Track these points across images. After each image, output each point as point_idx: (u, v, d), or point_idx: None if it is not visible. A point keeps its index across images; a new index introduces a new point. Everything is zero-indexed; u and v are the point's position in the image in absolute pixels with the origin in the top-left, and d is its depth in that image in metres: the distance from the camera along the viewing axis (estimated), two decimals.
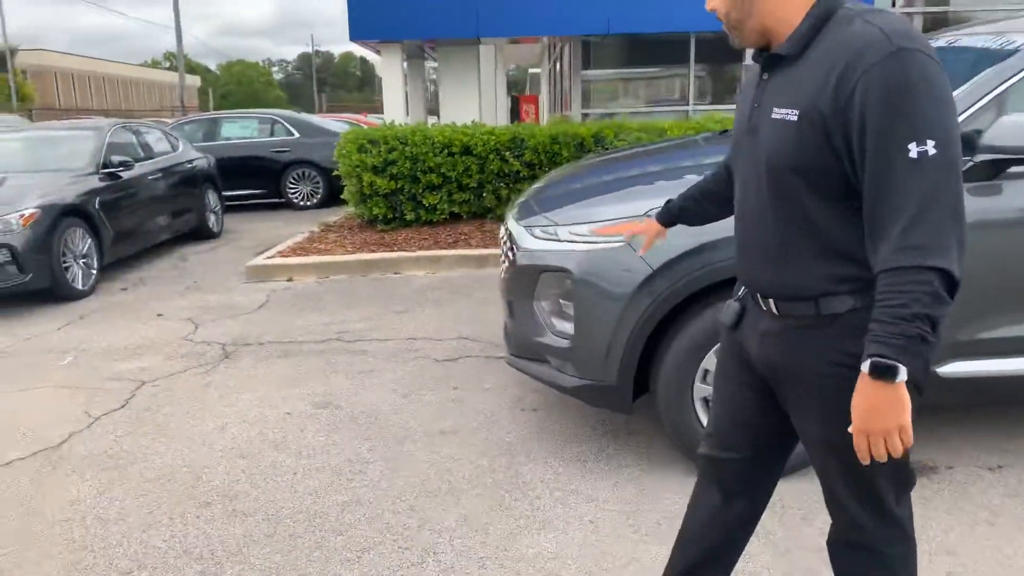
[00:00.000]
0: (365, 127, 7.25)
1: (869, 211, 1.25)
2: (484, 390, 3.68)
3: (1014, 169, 2.48)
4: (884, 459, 1.24)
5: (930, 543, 2.34)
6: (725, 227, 2.54)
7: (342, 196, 7.33)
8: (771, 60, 1.37)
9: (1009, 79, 2.57)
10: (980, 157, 2.45)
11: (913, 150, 1.17)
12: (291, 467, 2.97)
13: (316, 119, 12.21)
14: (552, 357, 2.86)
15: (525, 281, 2.94)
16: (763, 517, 2.04)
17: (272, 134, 11.08)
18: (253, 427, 3.35)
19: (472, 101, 9.33)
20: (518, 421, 3.31)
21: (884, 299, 1.19)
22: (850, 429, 1.26)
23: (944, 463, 2.82)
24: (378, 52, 8.98)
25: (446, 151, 6.79)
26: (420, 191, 6.91)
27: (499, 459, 2.98)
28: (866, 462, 1.26)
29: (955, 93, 2.60)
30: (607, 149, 6.81)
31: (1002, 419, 3.12)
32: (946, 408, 3.17)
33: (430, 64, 11.44)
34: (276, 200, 11.02)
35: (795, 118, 1.29)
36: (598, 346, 2.70)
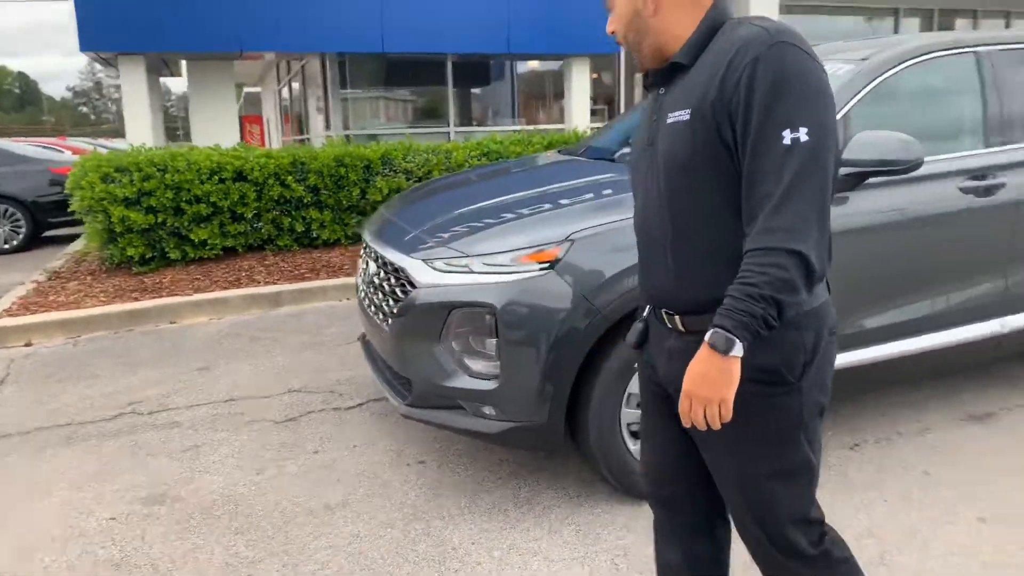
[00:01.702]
0: (104, 152, 6.08)
1: (745, 196, 1.28)
2: (352, 449, 3.23)
3: (870, 181, 2.78)
4: (702, 426, 1.29)
5: (851, 527, 2.51)
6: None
7: (50, 234, 6.06)
8: (667, 72, 1.42)
9: (850, 100, 2.89)
10: (846, 170, 2.71)
11: (787, 136, 1.22)
12: None
13: (6, 143, 10.08)
14: (468, 402, 2.58)
15: (428, 321, 2.61)
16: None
17: None
18: (70, 546, 2.54)
19: (231, 122, 8.37)
20: (410, 479, 2.95)
21: (742, 276, 1.24)
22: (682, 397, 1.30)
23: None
24: (111, 64, 7.60)
25: (216, 177, 5.97)
26: (185, 224, 5.99)
27: (413, 527, 2.61)
28: (687, 425, 1.32)
29: None
30: (397, 172, 6.54)
31: (849, 401, 3.52)
32: (836, 399, 3.48)
33: (168, 80, 10.07)
34: None
35: (687, 117, 1.33)
36: (529, 383, 2.49)
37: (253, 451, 3.23)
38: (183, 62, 8.90)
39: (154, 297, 5.48)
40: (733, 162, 1.30)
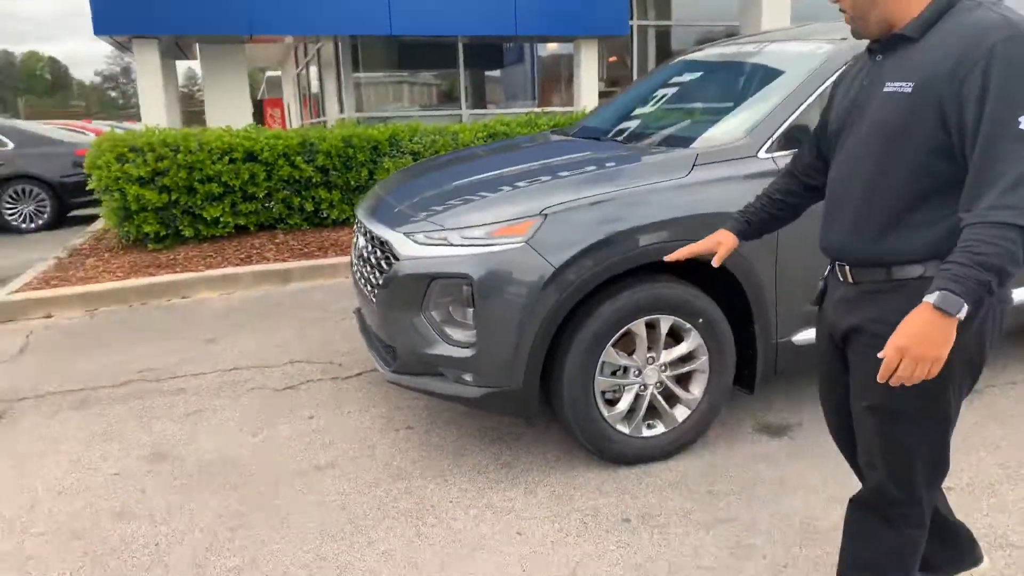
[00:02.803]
0: (120, 132, 6.26)
1: (973, 174, 1.35)
2: (345, 414, 3.38)
3: None
4: (909, 382, 1.35)
5: (817, 493, 2.61)
6: (613, 224, 2.62)
7: (75, 214, 6.28)
8: (891, 42, 1.50)
9: (827, 80, 2.94)
10: None
11: (1023, 122, 1.30)
12: (149, 538, 2.46)
13: (34, 126, 10.36)
14: (449, 369, 2.71)
15: (410, 291, 2.74)
16: (672, 499, 2.13)
17: None
18: (76, 498, 2.72)
19: (244, 104, 8.54)
20: (397, 443, 3.09)
21: (969, 246, 1.30)
22: (881, 353, 1.35)
23: (794, 421, 3.17)
24: (126, 48, 7.79)
25: (227, 158, 6.13)
26: (198, 203, 6.17)
27: (395, 485, 2.75)
28: (883, 380, 1.36)
29: (787, 95, 2.93)
30: (404, 153, 6.66)
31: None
32: (801, 372, 3.56)
33: (184, 64, 10.26)
34: None
35: (908, 90, 1.43)
36: (504, 351, 2.60)
37: (252, 416, 3.39)
38: (197, 46, 9.07)
39: (168, 273, 5.67)
40: (943, 134, 1.39)
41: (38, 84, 79.14)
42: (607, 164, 2.97)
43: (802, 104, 2.88)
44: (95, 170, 6.01)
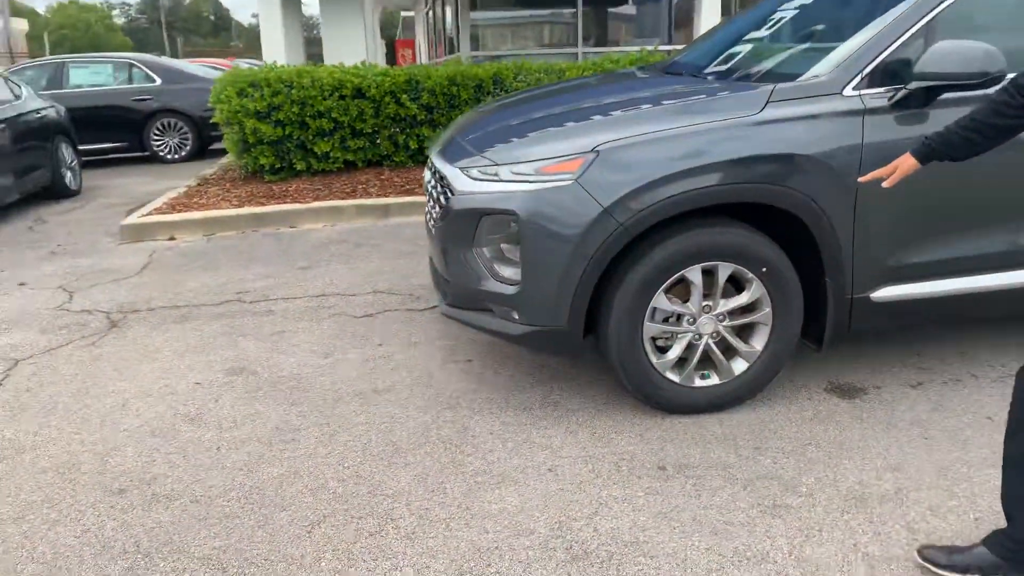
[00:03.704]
0: (244, 68, 6.62)
1: None
2: (412, 344, 3.49)
3: (946, 96, 2.53)
4: None
5: (875, 460, 2.43)
6: (670, 164, 2.48)
7: (215, 147, 6.74)
8: None
9: (936, 7, 2.61)
10: (914, 84, 2.49)
11: None
12: (213, 442, 2.68)
13: (181, 63, 11.15)
14: (496, 305, 2.72)
15: (462, 226, 2.75)
16: (715, 451, 2.34)
17: (130, 80, 10.01)
18: (160, 401, 3.00)
19: (358, 44, 8.77)
20: (454, 374, 3.16)
21: None
22: None
23: (872, 384, 2.94)
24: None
25: (337, 94, 6.34)
26: (310, 138, 6.45)
27: (443, 414, 2.83)
28: None
29: (885, 22, 2.63)
30: (508, 91, 6.61)
31: (915, 339, 3.30)
32: (874, 332, 3.31)
33: (307, 10, 10.60)
34: (140, 154, 10.05)
35: None
36: (548, 290, 2.57)
37: (327, 339, 3.57)
38: None
39: (278, 203, 6.01)
40: None
41: (204, 25, 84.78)
42: (675, 100, 2.80)
43: (900, 37, 2.56)
44: (218, 104, 6.40)
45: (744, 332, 2.74)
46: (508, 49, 10.16)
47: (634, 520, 2.18)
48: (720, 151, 2.50)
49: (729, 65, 3.23)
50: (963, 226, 2.67)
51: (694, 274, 2.59)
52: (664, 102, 2.79)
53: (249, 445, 2.65)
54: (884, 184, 2.14)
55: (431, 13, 15.34)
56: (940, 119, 2.55)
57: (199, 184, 7.00)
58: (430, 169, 3.19)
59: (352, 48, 8.55)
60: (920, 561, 1.94)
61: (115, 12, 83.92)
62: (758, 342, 2.71)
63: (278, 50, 8.08)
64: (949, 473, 2.36)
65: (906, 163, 2.08)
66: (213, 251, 5.26)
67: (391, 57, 22.75)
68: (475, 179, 2.72)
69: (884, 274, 2.67)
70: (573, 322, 2.60)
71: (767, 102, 2.57)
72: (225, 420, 2.84)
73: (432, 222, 3.06)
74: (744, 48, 3.37)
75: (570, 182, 2.51)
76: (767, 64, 3.01)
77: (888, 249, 2.64)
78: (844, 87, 2.57)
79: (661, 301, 2.60)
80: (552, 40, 10.59)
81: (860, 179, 2.30)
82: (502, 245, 2.69)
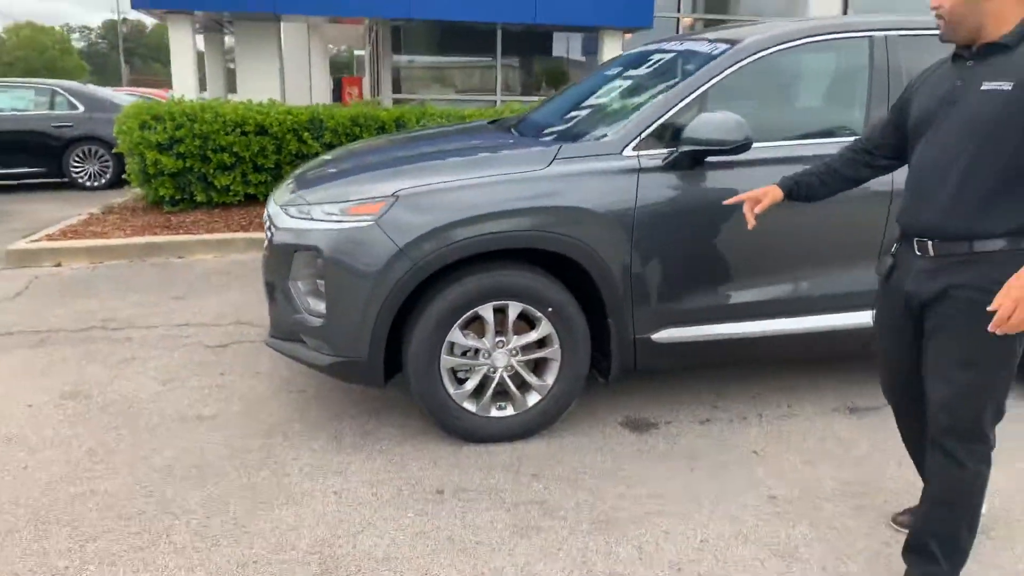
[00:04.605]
0: (152, 101, 6.76)
1: None
2: (255, 374, 3.63)
3: (711, 159, 2.83)
4: (1014, 330, 1.65)
5: (639, 488, 2.64)
6: (459, 211, 2.72)
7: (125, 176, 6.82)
8: (985, 49, 1.81)
9: (710, 80, 2.93)
10: (682, 148, 2.79)
11: None
12: (23, 461, 2.77)
13: (106, 92, 11.20)
14: (307, 336, 2.90)
15: (280, 261, 2.94)
16: (495, 477, 2.65)
17: (52, 107, 10.01)
18: None
19: (273, 80, 8.97)
20: (283, 403, 3.31)
21: None
22: (993, 306, 1.65)
23: (664, 419, 3.19)
24: (163, 21, 8.37)
25: (239, 130, 6.52)
26: (211, 171, 6.59)
27: (255, 440, 2.97)
28: (995, 329, 1.66)
29: (667, 93, 2.93)
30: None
31: (718, 379, 3.57)
32: (661, 371, 3.57)
33: (230, 39, 10.83)
34: (59, 180, 10.02)
35: (1008, 88, 1.73)
36: (349, 323, 2.77)
37: (174, 367, 3.69)
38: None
39: (172, 233, 6.12)
40: None
41: (164, 53, 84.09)
42: (484, 152, 3.06)
43: (675, 107, 2.88)
44: (120, 135, 6.52)
45: (538, 367, 2.96)
46: (428, 93, 10.50)
47: (393, 539, 2.35)
48: (505, 201, 2.75)
49: (555, 125, 3.51)
50: (731, 276, 2.96)
51: (487, 311, 2.81)
52: (475, 154, 3.05)
53: (57, 465, 2.75)
54: (756, 210, 2.27)
55: (371, 52, 15.71)
56: (708, 178, 2.87)
57: (103, 212, 7.06)
58: (267, 208, 3.38)
59: (266, 84, 8.76)
60: None
61: (75, 36, 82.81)
62: (549, 376, 2.93)
63: (189, 84, 8.24)
64: (697, 501, 2.59)
65: (773, 193, 2.28)
66: (95, 279, 5.32)
67: (338, 94, 23.02)
68: (293, 217, 2.92)
69: (663, 317, 2.93)
70: (373, 354, 2.79)
71: (554, 158, 2.84)
72: (43, 441, 2.93)
73: (263, 255, 3.24)
74: (575, 109, 3.67)
75: (371, 223, 2.72)
76: (578, 125, 3.30)
77: (663, 295, 2.91)
78: (624, 148, 2.86)
79: (457, 336, 2.81)
80: (472, 86, 10.98)
81: (725, 201, 2.45)
82: (311, 279, 2.88)
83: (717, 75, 2.93)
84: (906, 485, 2.67)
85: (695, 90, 2.91)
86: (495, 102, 10.01)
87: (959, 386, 1.86)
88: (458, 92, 10.88)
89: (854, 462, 2.84)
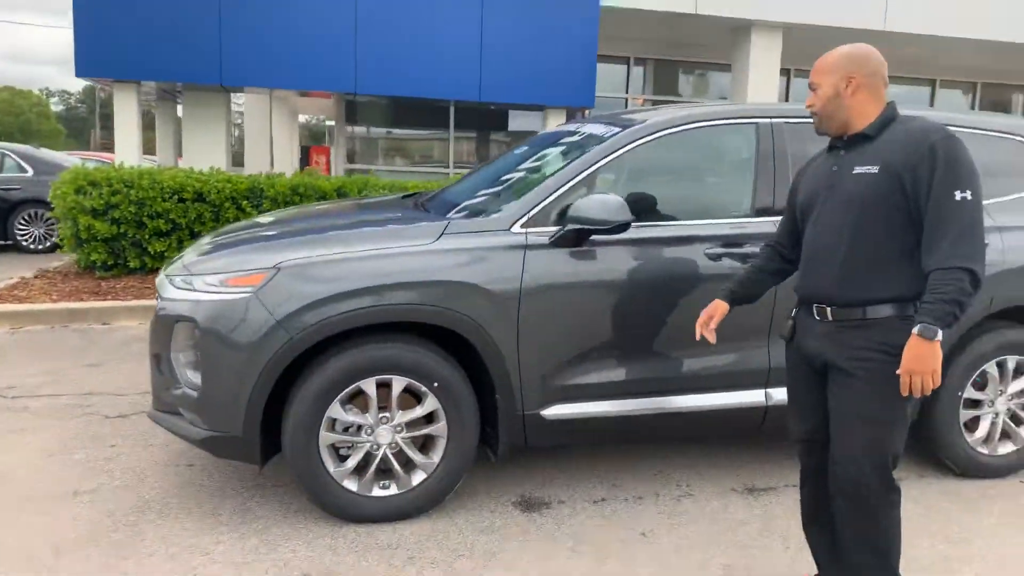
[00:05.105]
0: (105, 165, 6.76)
1: (928, 232, 1.93)
2: (147, 446, 3.51)
3: (595, 238, 2.87)
4: (921, 394, 1.89)
5: (514, 571, 2.56)
6: (340, 284, 2.70)
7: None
8: (854, 139, 2.09)
9: (599, 161, 3.01)
10: (568, 227, 2.83)
11: (958, 195, 1.90)
12: None
13: (56, 155, 11.20)
14: (184, 409, 2.82)
15: (162, 331, 2.88)
16: (369, 560, 2.61)
17: (1, 169, 9.99)
18: None
19: (219, 148, 9.05)
20: (168, 478, 3.19)
21: (934, 288, 1.87)
22: (898, 371, 1.90)
23: (559, 498, 3.12)
24: (108, 90, 8.46)
25: (176, 197, 6.52)
26: (146, 237, 6.55)
27: (127, 518, 2.84)
28: (905, 394, 1.91)
29: (559, 172, 2.99)
30: None
31: (622, 456, 3.52)
32: (552, 446, 3.52)
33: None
34: (2, 242, 9.89)
35: (875, 170, 1.99)
36: (224, 397, 2.70)
37: (65, 438, 3.56)
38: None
39: (99, 299, 6.01)
40: (905, 204, 1.95)
41: (146, 117, 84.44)
42: (377, 227, 3.07)
43: (563, 187, 2.94)
44: (56, 199, 6.48)
45: (425, 444, 2.90)
46: (382, 164, 10.66)
47: None
48: (389, 275, 2.74)
49: (462, 201, 3.55)
50: (620, 353, 2.96)
51: (369, 386, 2.76)
52: (369, 228, 3.06)
53: None
54: (711, 326, 2.41)
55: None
56: (593, 256, 2.90)
57: (34, 276, 6.95)
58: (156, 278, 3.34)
59: (212, 152, 8.82)
60: None
61: (54, 100, 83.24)
62: (436, 454, 2.87)
63: (132, 151, 8.27)
64: None
65: (719, 306, 2.42)
66: (12, 344, 5.19)
67: (306, 163, 23.36)
68: (178, 287, 2.88)
69: (552, 393, 2.91)
70: (248, 429, 2.71)
71: (442, 234, 2.86)
72: None
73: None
74: (485, 187, 3.72)
75: (249, 295, 2.69)
76: (482, 202, 3.33)
77: (552, 371, 2.89)
78: (512, 224, 2.89)
79: (338, 411, 2.75)
80: (426, 158, 11.18)
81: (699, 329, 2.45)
82: (190, 351, 2.82)
83: (606, 157, 3.00)
84: (788, 570, 2.61)
85: (584, 170, 2.98)
86: (448, 174, 10.17)
87: (864, 439, 2.02)
88: (412, 163, 11.06)
89: (741, 545, 2.79)
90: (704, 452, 3.61)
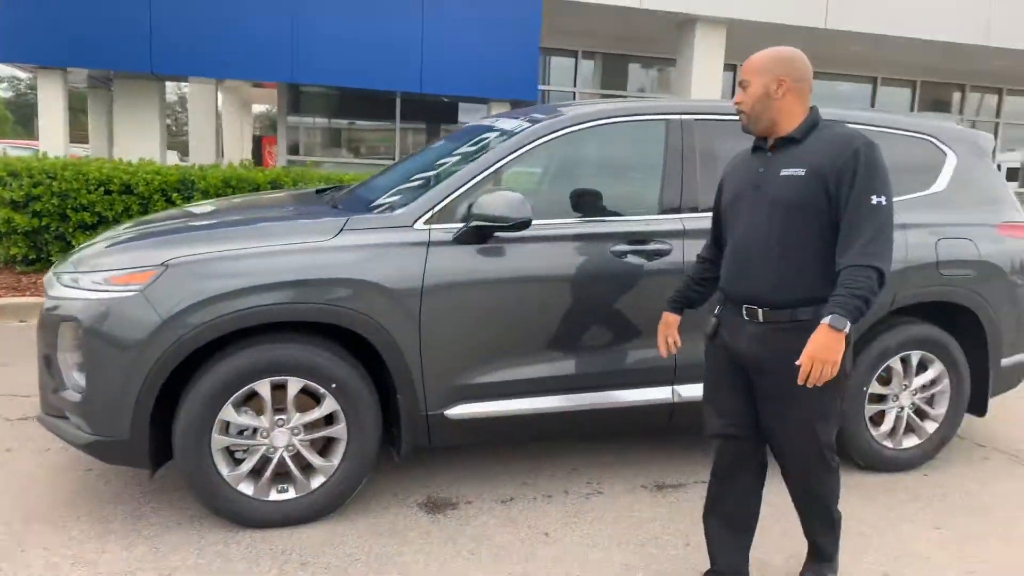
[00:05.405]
0: (9, 156, 6.50)
1: (844, 233, 2.01)
2: (44, 451, 3.37)
3: (499, 235, 2.83)
4: (820, 382, 1.97)
5: (410, 574, 2.52)
6: (230, 282, 2.61)
7: None
8: (781, 142, 2.14)
9: (506, 157, 2.96)
10: (470, 223, 2.78)
11: (875, 200, 2.00)
12: None
13: None
14: (70, 412, 2.71)
15: (47, 332, 2.77)
16: (261, 565, 2.52)
17: None
18: None
19: (153, 138, 8.79)
20: (61, 484, 3.07)
21: (845, 282, 1.96)
22: (798, 362, 1.97)
23: (466, 498, 3.08)
24: (34, 76, 8.15)
25: (102, 189, 6.31)
26: (70, 231, 6.33)
27: (11, 527, 2.72)
28: (800, 383, 1.98)
29: (464, 168, 2.94)
30: None
31: (539, 454, 3.50)
32: (458, 446, 3.48)
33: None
34: None
35: (802, 173, 2.06)
36: (109, 399, 2.60)
37: None
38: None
39: (17, 295, 5.79)
40: (828, 207, 2.03)
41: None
42: (275, 222, 2.98)
43: (470, 181, 2.89)
44: None
45: (325, 446, 2.83)
46: (326, 155, 10.49)
47: None
48: (282, 272, 2.66)
49: (375, 197, 3.48)
50: (524, 351, 2.93)
51: (263, 388, 2.68)
52: (265, 223, 2.97)
53: None
54: (671, 340, 2.49)
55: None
56: (496, 253, 2.86)
57: None
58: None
59: (144, 143, 8.56)
60: None
61: (3, 85, 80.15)
62: (335, 456, 2.81)
63: (57, 140, 7.98)
64: None
65: (670, 319, 2.50)
66: None
67: (258, 152, 22.89)
68: (65, 286, 2.77)
69: (455, 393, 2.87)
70: (136, 432, 2.61)
71: (341, 229, 2.79)
72: None
73: None
74: (400, 182, 3.65)
75: (136, 293, 2.59)
76: (389, 197, 3.26)
77: (455, 370, 2.85)
78: (415, 221, 2.83)
79: (230, 413, 2.67)
80: (371, 150, 11.03)
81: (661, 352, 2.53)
82: (72, 352, 2.70)
83: (512, 152, 2.97)
84: (685, 567, 2.62)
85: (490, 167, 2.94)
86: None
87: (804, 438, 2.16)
88: (357, 155, 10.90)
89: (641, 543, 2.78)
90: (619, 449, 3.61)
